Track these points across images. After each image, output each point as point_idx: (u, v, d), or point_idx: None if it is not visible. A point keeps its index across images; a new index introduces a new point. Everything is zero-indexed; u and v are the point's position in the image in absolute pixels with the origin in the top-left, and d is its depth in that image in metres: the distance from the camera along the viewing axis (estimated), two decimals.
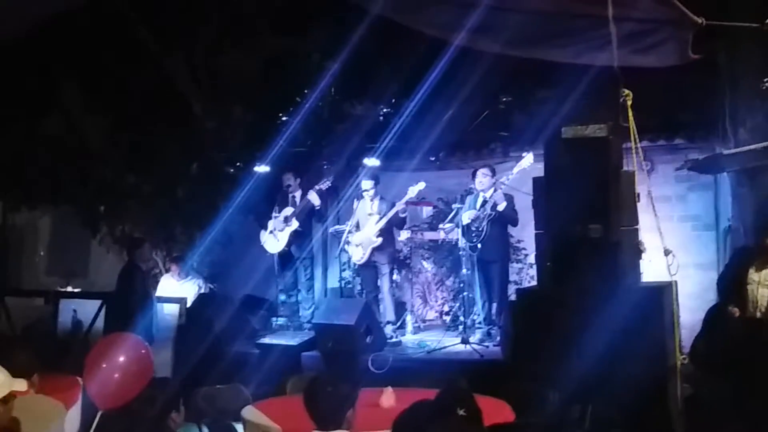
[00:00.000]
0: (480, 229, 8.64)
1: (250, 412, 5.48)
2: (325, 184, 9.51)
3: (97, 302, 9.31)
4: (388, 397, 5.48)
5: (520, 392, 5.64)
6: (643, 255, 7.20)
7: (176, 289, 9.84)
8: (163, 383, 4.39)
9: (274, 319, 9.94)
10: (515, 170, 8.62)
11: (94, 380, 3.96)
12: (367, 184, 9.17)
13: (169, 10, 9.71)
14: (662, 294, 6.41)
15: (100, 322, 9.05)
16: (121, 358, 3.89)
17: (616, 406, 5.75)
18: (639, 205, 6.62)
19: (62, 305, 9.36)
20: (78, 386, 5.31)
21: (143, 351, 4.00)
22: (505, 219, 8.69)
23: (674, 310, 6.38)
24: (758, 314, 6.78)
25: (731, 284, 7.18)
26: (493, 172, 8.85)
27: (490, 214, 8.61)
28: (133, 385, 3.90)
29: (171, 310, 9.03)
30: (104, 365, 3.89)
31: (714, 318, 7.28)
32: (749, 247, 7.56)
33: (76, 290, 10.52)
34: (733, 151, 8.28)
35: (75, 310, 9.27)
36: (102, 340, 4.52)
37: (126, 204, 10.59)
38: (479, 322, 8.90)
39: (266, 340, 9.06)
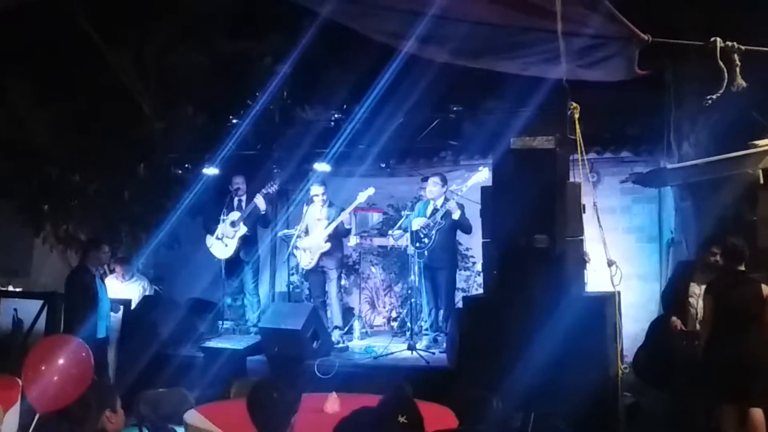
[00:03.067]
0: (429, 236, 8.69)
1: (192, 416, 5.43)
2: (272, 188, 9.45)
3: (39, 302, 9.15)
4: (333, 403, 5.47)
5: (465, 399, 5.69)
6: (588, 265, 7.34)
7: (120, 290, 9.69)
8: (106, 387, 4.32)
9: (220, 322, 9.86)
10: (470, 183, 8.69)
11: (32, 383, 3.89)
12: (316, 189, 9.14)
13: (119, 8, 9.58)
14: (605, 304, 6.52)
15: (41, 323, 8.90)
16: (61, 361, 3.81)
17: (559, 414, 5.83)
18: (584, 217, 6.73)
19: (3, 305, 9.19)
20: (17, 387, 5.19)
21: (83, 354, 3.93)
22: (460, 227, 8.76)
23: (616, 320, 6.50)
24: (698, 327, 6.93)
25: (674, 297, 7.33)
26: (444, 181, 8.89)
27: (441, 223, 8.67)
28: (72, 388, 3.83)
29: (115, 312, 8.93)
30: (43, 367, 3.81)
31: (657, 330, 7.43)
32: (692, 261, 7.74)
33: (17, 290, 10.32)
34: (676, 165, 8.45)
35: (16, 310, 9.12)
36: (41, 342, 4.44)
37: (71, 203, 10.40)
38: (426, 329, 8.94)
39: (211, 344, 8.97)
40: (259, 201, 9.39)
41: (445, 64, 6.56)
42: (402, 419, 3.42)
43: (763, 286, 6.28)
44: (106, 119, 10.08)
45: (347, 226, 9.09)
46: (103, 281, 8.61)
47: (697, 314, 6.94)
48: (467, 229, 8.79)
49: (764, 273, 6.56)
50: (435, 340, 8.75)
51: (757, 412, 6.18)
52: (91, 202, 10.36)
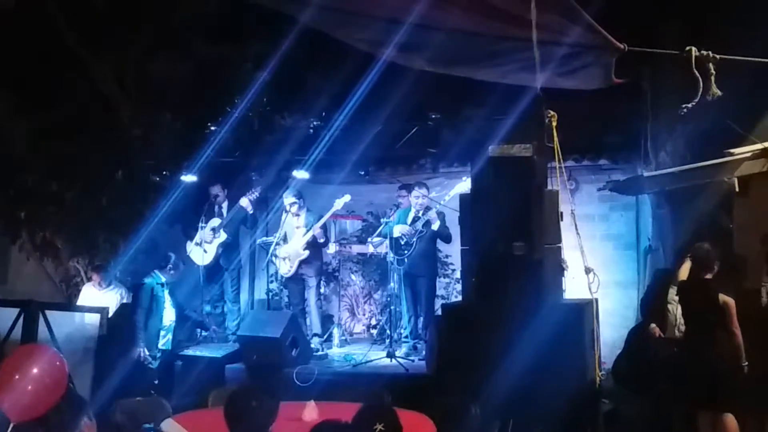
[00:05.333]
0: (409, 244, 8.71)
1: (169, 425, 5.40)
2: (253, 195, 9.44)
3: (15, 310, 9.02)
4: (311, 411, 5.46)
5: (443, 406, 5.68)
6: (566, 273, 7.36)
7: (98, 298, 9.60)
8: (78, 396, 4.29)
9: (199, 330, 9.80)
10: (452, 192, 8.73)
11: (6, 392, 3.85)
12: (289, 199, 9.09)
13: (98, 14, 9.52)
14: (583, 311, 6.55)
15: (17, 331, 8.78)
16: (35, 370, 3.78)
17: (537, 421, 5.84)
18: (562, 224, 6.75)
19: None
20: None
21: (58, 363, 3.89)
22: (440, 237, 8.79)
23: (594, 327, 6.53)
24: (677, 333, 6.98)
25: (652, 305, 7.39)
26: (428, 191, 8.95)
27: (422, 232, 8.70)
28: (46, 397, 3.79)
29: (92, 320, 8.82)
30: (17, 376, 3.77)
31: (636, 336, 7.48)
32: (669, 268, 7.78)
33: None
34: (652, 173, 8.50)
35: None
36: (15, 351, 4.40)
37: (48, 210, 10.30)
38: (405, 336, 8.95)
39: (190, 352, 8.94)
40: (244, 202, 9.36)
41: (424, 71, 6.57)
42: (380, 427, 3.41)
43: (721, 294, 6.34)
44: (83, 126, 10.00)
45: (320, 240, 9.05)
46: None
47: (675, 321, 6.99)
48: (447, 239, 8.82)
49: (738, 278, 6.62)
50: (414, 348, 8.76)
51: (730, 418, 6.23)
52: (69, 209, 10.26)
